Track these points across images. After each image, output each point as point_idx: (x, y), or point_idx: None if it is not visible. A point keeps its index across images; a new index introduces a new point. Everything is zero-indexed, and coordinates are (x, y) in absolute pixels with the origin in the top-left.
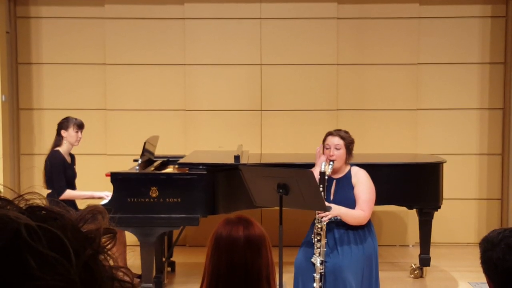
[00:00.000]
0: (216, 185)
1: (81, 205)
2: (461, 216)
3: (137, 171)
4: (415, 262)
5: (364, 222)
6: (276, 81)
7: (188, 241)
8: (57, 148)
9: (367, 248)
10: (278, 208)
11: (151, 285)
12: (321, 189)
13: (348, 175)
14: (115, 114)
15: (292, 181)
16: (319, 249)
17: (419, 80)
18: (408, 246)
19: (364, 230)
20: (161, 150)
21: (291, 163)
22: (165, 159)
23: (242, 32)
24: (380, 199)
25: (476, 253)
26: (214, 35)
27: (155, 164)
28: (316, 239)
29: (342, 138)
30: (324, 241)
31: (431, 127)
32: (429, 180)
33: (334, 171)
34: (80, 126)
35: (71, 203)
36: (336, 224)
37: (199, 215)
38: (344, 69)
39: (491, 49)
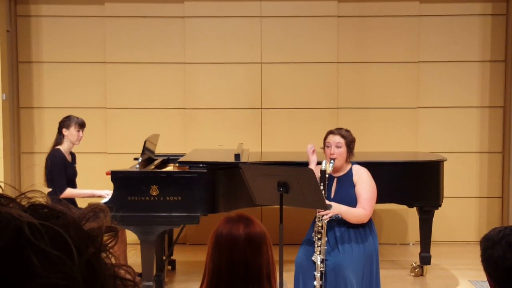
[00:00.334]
0: (216, 183)
1: (82, 203)
2: (462, 214)
3: (138, 170)
4: (416, 260)
5: (365, 220)
6: (276, 79)
7: (188, 240)
8: (58, 147)
9: (367, 247)
10: (278, 206)
11: (151, 283)
12: (321, 187)
13: (349, 173)
14: (115, 113)
15: (293, 179)
16: (319, 247)
17: (419, 78)
18: (408, 244)
19: (365, 228)
20: (162, 148)
21: (292, 161)
22: (165, 158)
23: (242, 30)
24: (381, 198)
25: (476, 251)
26: (214, 34)
27: (156, 162)
28: (316, 237)
29: (343, 136)
30: (324, 239)
31: (431, 125)
32: (430, 178)
33: (335, 169)
34: (81, 125)
35: (72, 201)
36: (337, 222)
37: (199, 213)
38: (344, 67)
39: (491, 47)
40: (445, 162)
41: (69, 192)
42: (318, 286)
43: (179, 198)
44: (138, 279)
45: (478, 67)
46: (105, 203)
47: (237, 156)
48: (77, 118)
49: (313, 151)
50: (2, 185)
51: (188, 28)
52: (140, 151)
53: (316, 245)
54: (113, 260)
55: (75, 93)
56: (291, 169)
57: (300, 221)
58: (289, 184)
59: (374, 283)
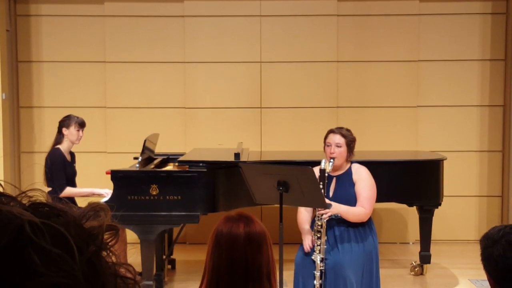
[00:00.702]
0: (216, 182)
1: (81, 202)
2: (462, 213)
3: (137, 169)
4: (416, 259)
5: (365, 219)
6: (276, 79)
7: (188, 239)
8: (58, 146)
9: (367, 246)
10: (278, 205)
11: (151, 282)
12: (321, 186)
13: (348, 172)
14: (115, 112)
15: (292, 179)
16: (319, 246)
17: (419, 77)
18: (408, 243)
19: (364, 227)
20: (161, 148)
21: (291, 160)
22: (165, 157)
23: (242, 29)
24: (380, 197)
25: (476, 250)
26: (214, 33)
27: (155, 162)
28: (316, 237)
29: (343, 136)
30: (324, 238)
31: (431, 124)
32: (430, 177)
33: (334, 168)
34: (81, 125)
35: (71, 200)
36: (337, 221)
37: (199, 212)
38: (344, 66)
39: (491, 46)
40: (445, 161)
41: (69, 191)
42: (318, 285)
43: (179, 197)
44: (138, 277)
45: (478, 66)
46: (105, 202)
47: (237, 155)
48: (77, 117)
49: None
50: (3, 183)
51: (188, 27)
52: (140, 150)
53: (315, 244)
54: (113, 258)
55: (75, 93)
56: (291, 168)
57: None
58: (289, 183)
59: (374, 282)
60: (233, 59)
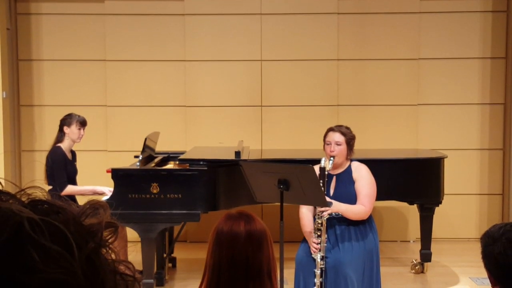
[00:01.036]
0: (216, 181)
1: (82, 201)
2: (462, 211)
3: (138, 167)
4: (416, 257)
5: (365, 217)
6: (276, 77)
7: (189, 237)
8: (59, 144)
9: (368, 244)
10: (279, 203)
11: (152, 281)
12: (321, 184)
13: (348, 170)
14: (115, 111)
15: (293, 177)
16: (319, 245)
17: (420, 75)
18: (409, 241)
19: (365, 225)
20: (162, 146)
21: (292, 158)
22: (165, 155)
23: (242, 27)
24: (381, 195)
25: (477, 248)
26: (214, 31)
27: (156, 160)
28: (316, 235)
29: (343, 134)
30: (324, 236)
31: (432, 122)
32: (430, 175)
33: (334, 166)
34: (82, 123)
35: (72, 199)
36: (337, 220)
37: (199, 211)
38: (344, 65)
39: (492, 44)
40: (445, 159)
41: (69, 189)
42: (319, 283)
43: (180, 195)
44: (138, 275)
45: (478, 64)
46: (106, 200)
47: (237, 153)
48: (78, 116)
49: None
50: (2, 181)
51: (188, 25)
52: (141, 148)
53: (316, 242)
54: (113, 255)
55: (76, 91)
56: (291, 166)
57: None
58: (290, 182)
59: (375, 280)
60: (234, 57)
